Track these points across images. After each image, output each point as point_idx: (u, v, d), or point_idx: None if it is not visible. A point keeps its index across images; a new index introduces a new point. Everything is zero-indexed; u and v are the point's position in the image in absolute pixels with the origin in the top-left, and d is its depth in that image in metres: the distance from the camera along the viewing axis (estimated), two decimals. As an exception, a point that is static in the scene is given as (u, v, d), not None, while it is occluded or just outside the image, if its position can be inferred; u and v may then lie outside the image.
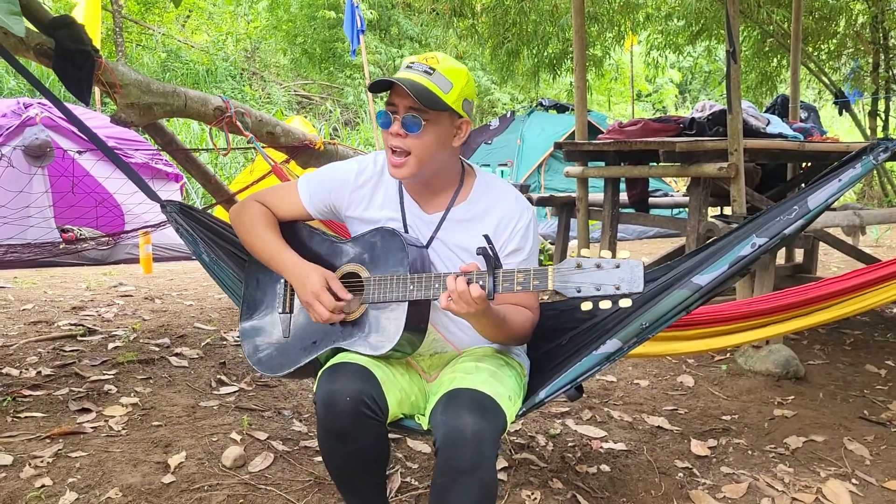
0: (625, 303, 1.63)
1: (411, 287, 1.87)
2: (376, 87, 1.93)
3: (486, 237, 1.74)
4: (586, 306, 1.66)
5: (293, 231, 2.20)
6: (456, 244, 2.04)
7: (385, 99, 1.96)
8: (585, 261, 1.66)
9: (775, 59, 12.06)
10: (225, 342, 4.11)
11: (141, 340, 4.05)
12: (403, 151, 1.91)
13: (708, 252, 2.09)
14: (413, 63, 1.92)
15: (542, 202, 5.64)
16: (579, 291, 1.65)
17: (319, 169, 2.24)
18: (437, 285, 1.84)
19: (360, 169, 2.13)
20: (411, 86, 1.84)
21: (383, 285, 1.92)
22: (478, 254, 1.74)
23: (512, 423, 1.94)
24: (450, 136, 1.96)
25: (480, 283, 1.75)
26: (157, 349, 3.88)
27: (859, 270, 2.69)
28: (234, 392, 3.33)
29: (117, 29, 14.35)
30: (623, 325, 2.01)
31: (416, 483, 2.58)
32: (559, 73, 12.07)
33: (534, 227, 2.06)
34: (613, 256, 1.65)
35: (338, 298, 1.96)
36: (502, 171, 9.95)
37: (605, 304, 1.64)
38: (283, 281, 2.13)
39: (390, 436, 2.85)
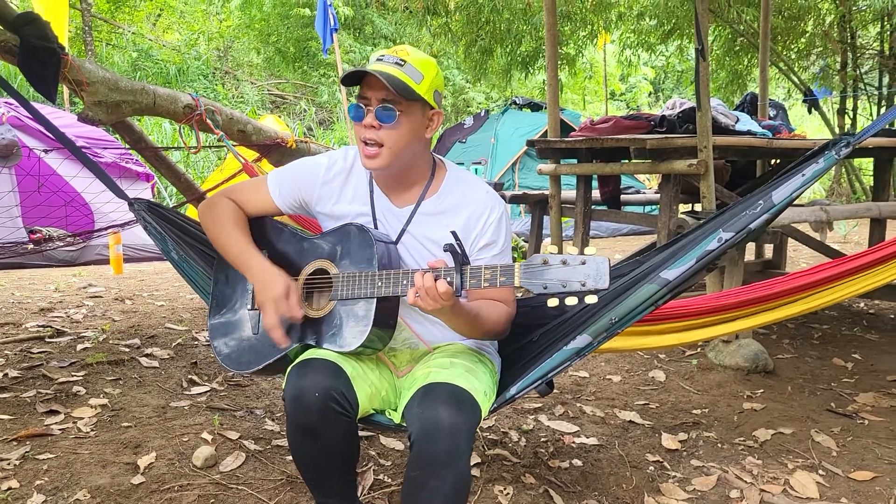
0: (591, 299, 1.64)
1: (379, 284, 1.87)
2: (349, 79, 1.93)
3: (454, 233, 1.75)
4: (553, 303, 1.67)
5: (262, 227, 2.19)
6: (426, 237, 2.04)
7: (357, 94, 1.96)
8: (552, 257, 1.66)
9: (746, 58, 12.21)
10: (196, 342, 4.08)
11: (111, 341, 4.01)
12: (377, 143, 1.91)
13: (676, 247, 2.11)
14: (383, 56, 1.92)
15: (515, 199, 5.66)
16: (546, 288, 1.66)
17: (289, 164, 2.23)
18: (405, 282, 1.84)
19: (330, 164, 2.12)
20: (386, 76, 1.84)
21: (352, 282, 1.92)
22: (445, 250, 1.74)
23: (484, 418, 1.95)
24: (422, 127, 1.97)
25: (448, 279, 1.75)
26: (127, 350, 3.84)
27: (825, 264, 2.72)
28: (206, 392, 3.31)
29: (86, 28, 14.18)
30: (593, 320, 2.02)
31: (389, 480, 2.57)
32: (532, 71, 12.11)
33: (506, 220, 2.06)
34: (581, 253, 1.66)
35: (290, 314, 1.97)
36: (476, 169, 9.97)
37: (572, 301, 1.65)
38: None
39: (363, 433, 2.87)
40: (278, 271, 2.01)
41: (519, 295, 2.25)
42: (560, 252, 1.68)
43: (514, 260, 1.89)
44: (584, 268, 1.63)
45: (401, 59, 1.90)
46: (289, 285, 1.97)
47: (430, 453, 1.74)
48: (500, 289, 2.00)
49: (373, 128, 1.90)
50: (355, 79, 1.92)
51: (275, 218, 2.24)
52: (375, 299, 1.90)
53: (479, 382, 1.91)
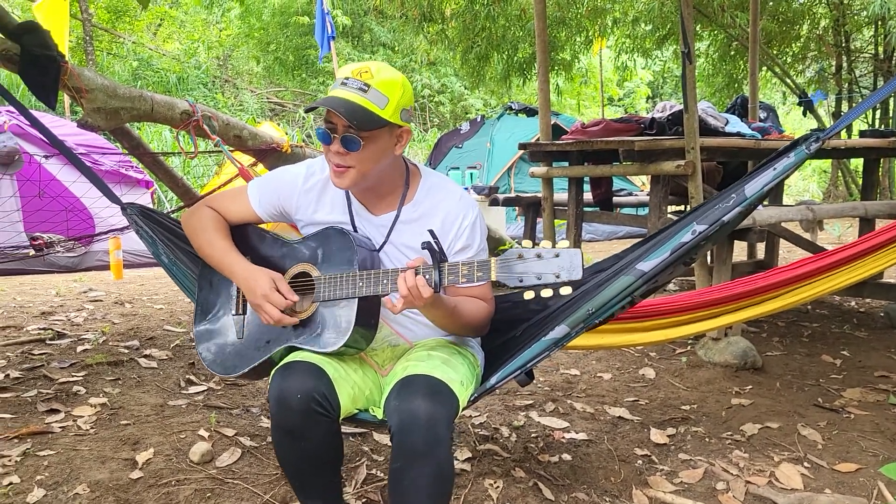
0: (565, 290, 1.68)
1: (360, 284, 1.92)
2: (314, 109, 1.95)
3: (431, 232, 1.80)
4: (529, 295, 1.72)
5: (244, 234, 2.24)
6: (404, 244, 2.09)
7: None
8: (526, 251, 1.71)
9: (741, 62, 12.29)
10: (194, 343, 4.14)
11: (110, 343, 4.07)
12: (345, 165, 1.95)
13: (653, 241, 2.18)
14: (348, 79, 1.93)
15: (508, 202, 5.73)
16: (521, 281, 1.70)
17: (269, 173, 2.28)
18: (385, 281, 1.89)
19: (308, 173, 2.17)
20: (347, 110, 1.86)
21: (333, 283, 1.97)
22: (423, 248, 1.80)
23: (464, 408, 2.00)
24: (390, 146, 1.99)
25: (427, 276, 1.81)
26: (126, 351, 3.90)
27: (807, 259, 2.79)
28: (203, 391, 3.37)
29: (87, 38, 14.29)
30: (571, 311, 2.08)
31: (381, 474, 2.63)
32: (530, 77, 12.18)
33: (480, 223, 2.11)
34: (554, 246, 1.72)
35: (285, 301, 2.01)
36: (472, 174, 10.04)
37: (547, 293, 1.69)
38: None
39: (356, 430, 2.93)
40: (259, 269, 2.06)
41: (506, 292, 2.31)
42: (534, 246, 1.73)
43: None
44: (558, 260, 1.68)
45: (365, 84, 1.90)
46: (272, 278, 2.02)
47: (409, 444, 1.78)
48: (479, 287, 2.05)
49: (339, 153, 1.93)
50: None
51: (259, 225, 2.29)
52: (357, 299, 1.95)
53: (456, 373, 1.95)
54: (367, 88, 1.90)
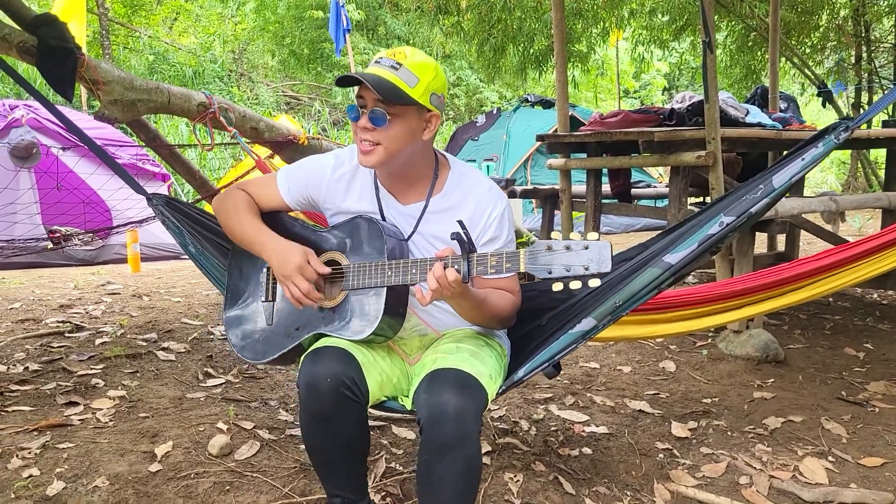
0: (594, 282, 1.67)
1: (389, 273, 1.92)
2: (344, 83, 1.95)
3: (461, 222, 1.79)
4: (557, 287, 1.70)
5: (274, 220, 2.24)
6: (433, 235, 2.08)
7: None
8: (555, 243, 1.70)
9: (759, 53, 12.16)
10: (212, 336, 4.14)
11: (128, 336, 4.08)
12: (372, 143, 1.95)
13: (679, 232, 2.14)
14: (381, 58, 1.95)
15: (526, 195, 5.69)
16: (550, 273, 1.69)
17: (298, 161, 2.27)
18: (414, 270, 1.89)
19: (337, 163, 2.16)
20: (375, 81, 1.86)
21: (362, 272, 1.97)
22: (452, 238, 1.79)
23: (492, 400, 1.99)
24: (419, 130, 1.98)
25: (456, 267, 1.80)
26: (144, 344, 3.91)
27: (831, 250, 2.74)
28: (221, 384, 3.37)
29: (104, 31, 14.36)
30: (598, 303, 2.06)
31: (401, 468, 2.62)
32: (545, 69, 12.12)
33: (508, 215, 2.10)
34: (583, 238, 1.70)
35: (317, 274, 2.00)
36: (488, 166, 10.00)
37: (576, 285, 1.68)
38: (265, 269, 2.17)
39: (375, 423, 2.92)
40: (293, 243, 2.05)
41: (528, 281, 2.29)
42: (563, 238, 1.71)
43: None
44: (587, 252, 1.66)
45: (397, 63, 1.91)
46: (305, 251, 2.02)
47: (438, 437, 1.79)
48: (506, 279, 2.04)
49: (367, 129, 1.93)
50: (351, 81, 1.94)
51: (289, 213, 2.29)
52: (385, 288, 1.95)
53: (484, 366, 1.95)
54: (398, 67, 1.91)
